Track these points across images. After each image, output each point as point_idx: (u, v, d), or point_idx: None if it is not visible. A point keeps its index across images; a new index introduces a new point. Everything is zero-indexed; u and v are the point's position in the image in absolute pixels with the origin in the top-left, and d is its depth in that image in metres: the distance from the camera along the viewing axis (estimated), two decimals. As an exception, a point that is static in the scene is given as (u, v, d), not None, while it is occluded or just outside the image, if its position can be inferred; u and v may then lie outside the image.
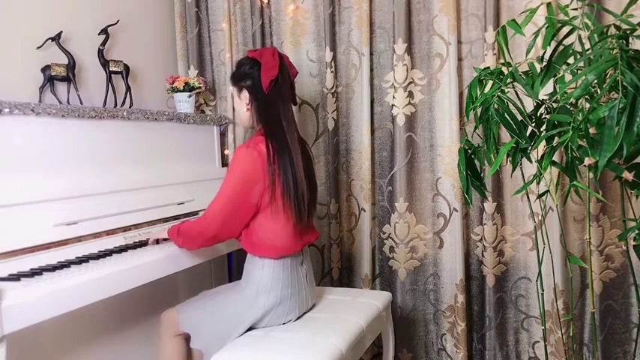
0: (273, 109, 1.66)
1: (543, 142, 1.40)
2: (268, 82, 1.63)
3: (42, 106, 1.65)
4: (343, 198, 2.45)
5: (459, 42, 2.23)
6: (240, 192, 1.58)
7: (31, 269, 1.41)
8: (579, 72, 1.22)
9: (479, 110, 1.48)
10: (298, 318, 1.71)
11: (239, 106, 1.72)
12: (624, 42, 1.25)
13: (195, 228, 1.63)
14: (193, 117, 2.30)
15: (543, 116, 1.54)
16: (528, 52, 1.43)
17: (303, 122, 2.48)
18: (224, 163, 2.53)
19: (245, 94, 1.68)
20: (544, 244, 1.81)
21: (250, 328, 1.64)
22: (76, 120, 1.77)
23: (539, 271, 1.66)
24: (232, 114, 2.52)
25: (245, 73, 1.68)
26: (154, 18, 2.52)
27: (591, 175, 1.53)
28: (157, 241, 1.78)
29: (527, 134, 1.47)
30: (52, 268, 1.43)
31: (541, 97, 1.45)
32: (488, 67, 1.59)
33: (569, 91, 1.32)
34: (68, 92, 1.98)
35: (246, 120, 1.72)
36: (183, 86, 2.34)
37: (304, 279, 1.71)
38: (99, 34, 2.11)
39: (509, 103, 1.45)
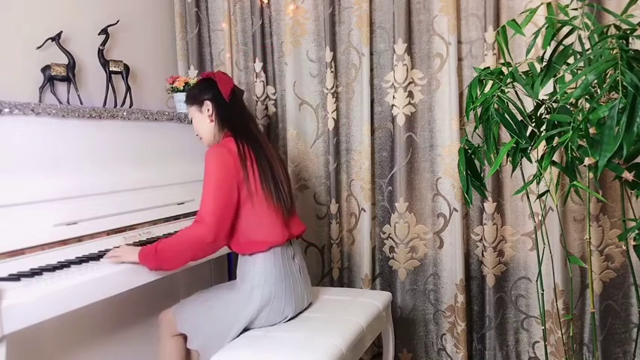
0: (237, 113, 1.76)
1: (543, 142, 1.40)
2: (229, 91, 1.74)
3: (42, 106, 1.65)
4: (343, 198, 2.45)
5: (459, 42, 2.23)
6: (223, 192, 1.58)
7: (31, 269, 1.41)
8: (579, 72, 1.22)
9: (479, 110, 1.48)
10: (296, 316, 1.71)
11: (201, 121, 1.77)
12: (624, 42, 1.25)
13: (189, 238, 1.56)
14: (193, 117, 2.30)
15: (543, 116, 1.54)
16: (528, 52, 1.43)
17: (303, 122, 2.48)
18: (224, 163, 2.53)
19: (207, 106, 1.75)
20: (544, 244, 1.81)
21: (248, 328, 1.64)
22: (76, 120, 1.77)
23: (539, 271, 1.66)
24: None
25: (204, 88, 1.77)
26: (154, 18, 2.52)
27: (591, 175, 1.53)
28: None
29: (527, 134, 1.47)
30: (52, 268, 1.43)
31: (541, 97, 1.45)
32: (488, 67, 1.59)
33: (569, 91, 1.32)
34: (68, 92, 1.98)
35: (210, 134, 1.76)
36: (183, 86, 2.34)
37: (298, 274, 1.72)
38: (99, 34, 2.11)
39: (509, 103, 1.44)
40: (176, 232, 1.85)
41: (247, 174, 1.61)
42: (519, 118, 1.45)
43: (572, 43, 1.33)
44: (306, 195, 2.49)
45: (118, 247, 1.64)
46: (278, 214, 1.67)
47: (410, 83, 2.30)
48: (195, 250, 1.57)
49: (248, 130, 1.73)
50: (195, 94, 1.78)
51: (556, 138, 1.33)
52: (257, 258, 1.64)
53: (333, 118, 2.41)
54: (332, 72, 2.38)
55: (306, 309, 1.78)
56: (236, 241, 1.66)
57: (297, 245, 1.79)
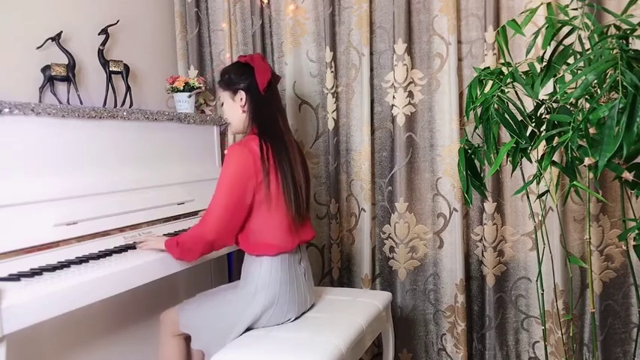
0: (270, 108, 1.70)
1: (543, 142, 1.40)
2: (266, 83, 1.67)
3: (42, 106, 1.65)
4: (343, 198, 2.45)
5: (459, 42, 2.23)
6: (235, 192, 1.58)
7: (31, 269, 1.41)
8: (579, 72, 1.22)
9: (479, 110, 1.48)
10: (298, 317, 1.71)
11: (232, 109, 1.73)
12: (624, 42, 1.25)
13: (194, 234, 1.61)
14: (193, 117, 2.30)
15: (543, 116, 1.54)
16: (528, 52, 1.43)
17: (303, 122, 2.48)
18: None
19: (240, 95, 1.70)
20: (544, 244, 1.81)
21: (250, 328, 1.64)
22: (76, 120, 1.77)
23: (539, 271, 1.66)
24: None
25: (240, 76, 1.70)
26: (154, 18, 2.52)
27: (591, 175, 1.53)
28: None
29: (527, 134, 1.47)
30: (52, 268, 1.43)
31: (541, 97, 1.45)
32: (488, 67, 1.59)
33: (569, 91, 1.32)
34: (68, 92, 1.98)
35: (240, 123, 1.73)
36: (183, 86, 2.34)
37: (303, 277, 1.72)
38: (99, 34, 2.11)
39: (509, 103, 1.44)
40: (176, 232, 1.87)
41: (267, 177, 1.59)
42: (519, 118, 1.45)
43: (572, 43, 1.32)
44: (306, 195, 2.49)
45: (128, 244, 1.71)
46: (292, 221, 1.64)
47: (410, 83, 2.30)
48: (202, 247, 1.61)
49: (276, 130, 1.67)
50: (230, 80, 1.72)
51: (556, 138, 1.33)
52: (264, 260, 1.64)
53: (333, 118, 2.41)
54: (332, 72, 2.38)
55: (307, 310, 1.78)
56: (245, 239, 1.65)
57: (304, 249, 1.78)
